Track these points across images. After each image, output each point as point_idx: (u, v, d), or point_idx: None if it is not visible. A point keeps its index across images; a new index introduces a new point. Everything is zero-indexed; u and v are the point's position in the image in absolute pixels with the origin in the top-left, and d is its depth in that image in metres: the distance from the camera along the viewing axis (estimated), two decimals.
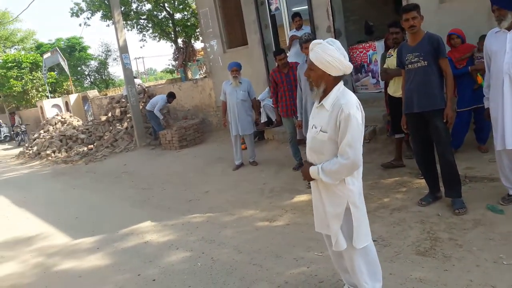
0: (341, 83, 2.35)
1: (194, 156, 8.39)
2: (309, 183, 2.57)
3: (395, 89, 4.76)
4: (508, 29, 3.35)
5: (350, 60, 8.05)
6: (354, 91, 6.62)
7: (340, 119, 2.20)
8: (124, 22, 16.26)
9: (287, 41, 7.64)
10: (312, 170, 2.36)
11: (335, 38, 6.85)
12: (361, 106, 2.31)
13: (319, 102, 2.37)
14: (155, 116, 10.21)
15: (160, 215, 5.32)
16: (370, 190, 4.54)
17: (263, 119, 7.92)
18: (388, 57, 4.92)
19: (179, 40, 18.55)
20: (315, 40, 2.35)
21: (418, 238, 3.40)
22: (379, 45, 6.80)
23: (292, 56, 7.03)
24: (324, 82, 2.29)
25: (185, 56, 16.88)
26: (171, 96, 10.26)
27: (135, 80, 11.84)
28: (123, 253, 4.35)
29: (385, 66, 4.98)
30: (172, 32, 18.69)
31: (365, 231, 2.43)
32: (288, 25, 8.09)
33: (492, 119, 3.59)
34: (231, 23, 9.57)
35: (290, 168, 6.03)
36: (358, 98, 2.34)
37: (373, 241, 2.55)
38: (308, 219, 4.03)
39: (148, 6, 17.95)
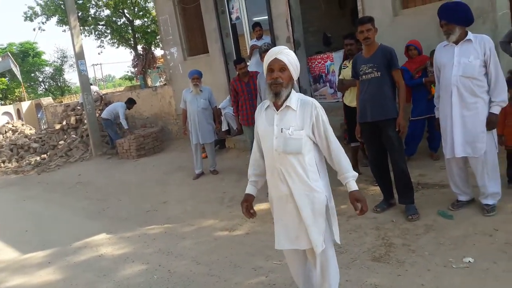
0: None
1: (152, 166, 8.21)
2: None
3: (351, 99, 4.87)
4: (456, 42, 3.52)
5: (309, 70, 8.13)
6: None
7: (315, 114, 2.32)
8: (82, 28, 15.77)
9: (248, 51, 7.68)
10: (355, 186, 2.36)
11: (295, 48, 7.01)
12: None
13: (280, 106, 2.36)
14: (111, 124, 9.87)
15: (115, 226, 5.14)
16: None
17: (224, 127, 7.89)
18: (343, 68, 5.04)
19: (139, 47, 18.19)
20: (279, 46, 2.41)
21: (373, 244, 3.48)
22: (337, 56, 6.97)
23: (252, 65, 7.06)
24: (291, 84, 2.37)
25: (144, 63, 16.60)
26: (131, 102, 9.88)
27: (92, 87, 11.46)
28: (76, 267, 4.17)
29: (340, 77, 5.10)
30: (131, 39, 18.29)
31: None
32: (248, 34, 8.15)
33: (442, 129, 3.74)
34: (192, 31, 9.51)
35: None
36: None
37: None
38: (267, 227, 4.02)
39: (107, 12, 17.52)
